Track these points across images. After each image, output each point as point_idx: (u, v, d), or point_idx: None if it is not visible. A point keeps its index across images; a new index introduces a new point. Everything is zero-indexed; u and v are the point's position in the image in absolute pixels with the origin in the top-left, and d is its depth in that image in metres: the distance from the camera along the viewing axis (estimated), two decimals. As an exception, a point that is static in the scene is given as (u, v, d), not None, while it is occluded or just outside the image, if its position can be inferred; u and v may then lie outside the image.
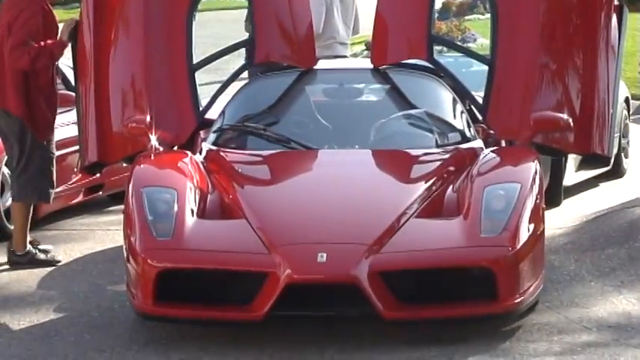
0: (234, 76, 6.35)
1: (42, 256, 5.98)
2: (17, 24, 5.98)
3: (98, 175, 6.56)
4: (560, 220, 6.90)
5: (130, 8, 6.04)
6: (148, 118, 5.70)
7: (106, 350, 4.34)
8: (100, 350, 4.34)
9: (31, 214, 6.10)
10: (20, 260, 5.88)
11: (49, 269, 5.88)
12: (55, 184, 6.16)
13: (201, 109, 5.89)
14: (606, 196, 7.83)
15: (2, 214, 6.42)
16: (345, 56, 8.26)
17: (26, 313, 4.90)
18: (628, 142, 8.92)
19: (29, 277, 5.66)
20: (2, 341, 4.46)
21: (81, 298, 5.23)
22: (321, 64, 6.55)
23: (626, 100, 8.94)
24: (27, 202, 6.04)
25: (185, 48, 5.94)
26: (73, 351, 4.35)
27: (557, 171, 7.39)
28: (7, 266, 5.99)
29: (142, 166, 5.16)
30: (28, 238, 6.07)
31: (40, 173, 5.98)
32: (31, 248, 5.98)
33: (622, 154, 8.61)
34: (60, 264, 6.06)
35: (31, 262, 5.91)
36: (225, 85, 6.30)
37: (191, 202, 4.74)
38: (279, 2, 6.46)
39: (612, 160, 7.34)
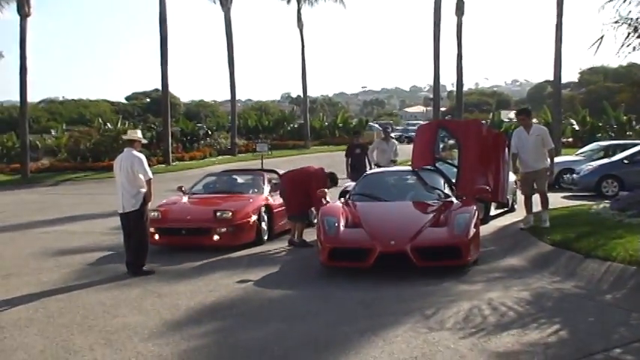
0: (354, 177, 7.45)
1: (301, 243, 7.53)
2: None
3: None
4: (488, 229, 7.88)
5: None
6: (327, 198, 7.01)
7: (302, 282, 5.57)
8: (299, 281, 5.63)
9: (302, 227, 7.66)
10: (296, 244, 7.53)
11: (280, 253, 7.26)
12: (307, 217, 7.86)
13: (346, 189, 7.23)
14: (507, 219, 8.91)
15: (261, 229, 7.78)
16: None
17: (264, 269, 6.11)
18: (515, 198, 9.96)
19: (273, 256, 7.01)
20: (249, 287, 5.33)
21: (288, 263, 6.60)
22: (389, 169, 8.36)
23: (515, 181, 9.50)
24: (293, 222, 7.77)
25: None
26: (283, 283, 5.56)
27: (486, 208, 8.56)
28: (279, 248, 7.41)
29: (323, 209, 6.54)
30: (298, 237, 7.58)
31: (299, 216, 7.78)
32: (298, 240, 7.57)
33: (514, 202, 10.02)
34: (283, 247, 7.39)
35: (299, 245, 7.48)
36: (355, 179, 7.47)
37: (342, 222, 6.00)
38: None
39: (510, 204, 8.81)
